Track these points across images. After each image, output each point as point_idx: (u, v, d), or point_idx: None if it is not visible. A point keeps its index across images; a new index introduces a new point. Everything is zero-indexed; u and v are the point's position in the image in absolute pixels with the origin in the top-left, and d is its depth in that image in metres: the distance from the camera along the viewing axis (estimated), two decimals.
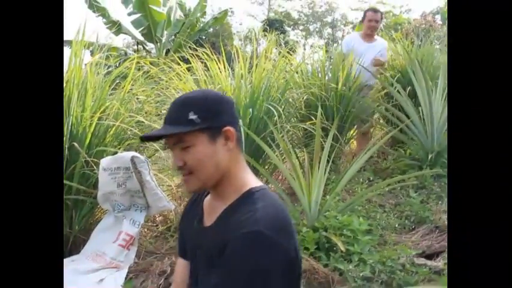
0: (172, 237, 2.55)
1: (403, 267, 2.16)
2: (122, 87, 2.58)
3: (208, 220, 1.05)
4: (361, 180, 3.42)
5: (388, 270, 2.11)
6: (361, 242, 2.26)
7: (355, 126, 4.24)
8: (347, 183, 3.06)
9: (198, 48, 3.27)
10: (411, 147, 3.84)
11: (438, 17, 11.85)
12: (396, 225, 2.75)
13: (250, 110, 2.94)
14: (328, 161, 2.69)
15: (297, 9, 24.98)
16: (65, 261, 2.15)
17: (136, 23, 10.31)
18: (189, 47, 3.37)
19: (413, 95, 3.90)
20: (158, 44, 10.82)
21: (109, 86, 2.53)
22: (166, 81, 3.11)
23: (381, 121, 4.53)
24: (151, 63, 3.10)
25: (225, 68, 3.16)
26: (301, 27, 24.99)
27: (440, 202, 3.02)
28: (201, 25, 11.46)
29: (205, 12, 11.76)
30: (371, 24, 4.26)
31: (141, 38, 11.01)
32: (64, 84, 2.29)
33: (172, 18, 10.88)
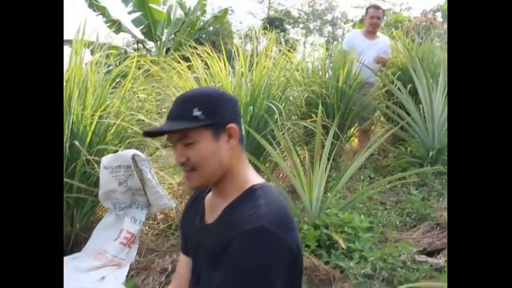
0: (173, 235, 2.56)
1: (404, 265, 2.16)
2: (123, 86, 2.58)
3: (210, 218, 1.05)
4: (362, 177, 3.42)
5: (389, 268, 2.12)
6: (362, 240, 2.27)
7: (355, 124, 4.24)
8: (348, 181, 3.06)
9: (198, 47, 3.27)
10: (412, 145, 3.84)
11: (438, 15, 11.82)
12: (397, 223, 2.75)
13: (251, 108, 2.94)
14: (329, 159, 2.69)
15: (297, 7, 24.98)
16: (67, 259, 2.15)
17: (136, 22, 10.32)
18: (189, 45, 3.37)
19: (413, 93, 3.90)
20: (159, 42, 10.82)
21: (110, 85, 2.54)
22: (167, 80, 3.11)
23: (381, 119, 4.53)
24: (151, 62, 3.10)
25: (225, 66, 3.16)
26: (301, 26, 24.95)
27: (441, 199, 3.02)
28: (201, 24, 11.46)
29: (205, 10, 11.76)
30: (373, 21, 4.24)
31: (141, 37, 11.01)
32: (65, 83, 2.29)
33: (172, 17, 10.89)
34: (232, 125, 0.99)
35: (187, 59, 3.30)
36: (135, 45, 11.98)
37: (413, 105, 3.76)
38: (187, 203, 1.21)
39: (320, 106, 3.03)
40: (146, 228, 2.66)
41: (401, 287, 1.93)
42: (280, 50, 3.72)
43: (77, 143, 2.17)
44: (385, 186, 3.12)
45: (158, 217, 2.82)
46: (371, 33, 4.27)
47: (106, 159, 2.16)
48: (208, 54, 3.17)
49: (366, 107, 4.05)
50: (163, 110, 3.03)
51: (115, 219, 2.27)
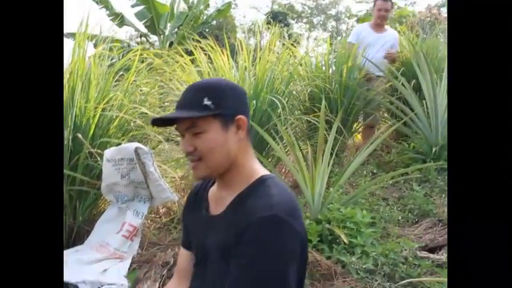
0: (176, 228, 2.57)
1: (406, 260, 2.16)
2: (126, 79, 2.58)
3: (216, 209, 1.04)
4: (364, 173, 3.42)
5: (391, 263, 2.12)
6: (364, 235, 2.26)
7: (359, 119, 4.22)
8: (351, 176, 3.06)
9: (201, 40, 3.27)
10: (415, 141, 3.82)
11: (443, 10, 11.73)
12: (400, 218, 2.75)
13: (254, 102, 2.94)
14: (331, 154, 2.68)
15: (301, 1, 24.79)
16: (69, 251, 2.16)
17: (139, 15, 10.30)
18: (193, 39, 3.36)
19: (417, 88, 3.88)
20: (162, 36, 10.80)
21: (113, 78, 2.53)
22: (170, 73, 3.11)
23: (385, 114, 4.51)
24: (154, 55, 3.10)
25: (228, 60, 3.15)
26: (305, 20, 24.82)
27: (443, 196, 3.01)
28: (204, 17, 11.42)
29: (208, 4, 11.72)
30: (381, 13, 4.19)
31: (144, 30, 10.99)
32: (68, 76, 2.29)
33: (175, 11, 10.86)
34: (242, 117, 0.99)
35: (190, 53, 3.30)
36: (138, 39, 11.97)
37: (416, 100, 3.74)
38: (188, 197, 1.20)
39: (323, 101, 3.02)
40: (149, 221, 2.67)
41: (403, 282, 1.93)
42: (283, 44, 3.70)
43: (80, 135, 2.18)
44: (387, 182, 3.12)
45: (160, 210, 2.82)
46: (378, 26, 4.22)
47: (108, 152, 2.17)
48: (212, 48, 3.16)
49: (369, 102, 4.03)
50: (166, 103, 3.03)
51: (118, 212, 2.27)
